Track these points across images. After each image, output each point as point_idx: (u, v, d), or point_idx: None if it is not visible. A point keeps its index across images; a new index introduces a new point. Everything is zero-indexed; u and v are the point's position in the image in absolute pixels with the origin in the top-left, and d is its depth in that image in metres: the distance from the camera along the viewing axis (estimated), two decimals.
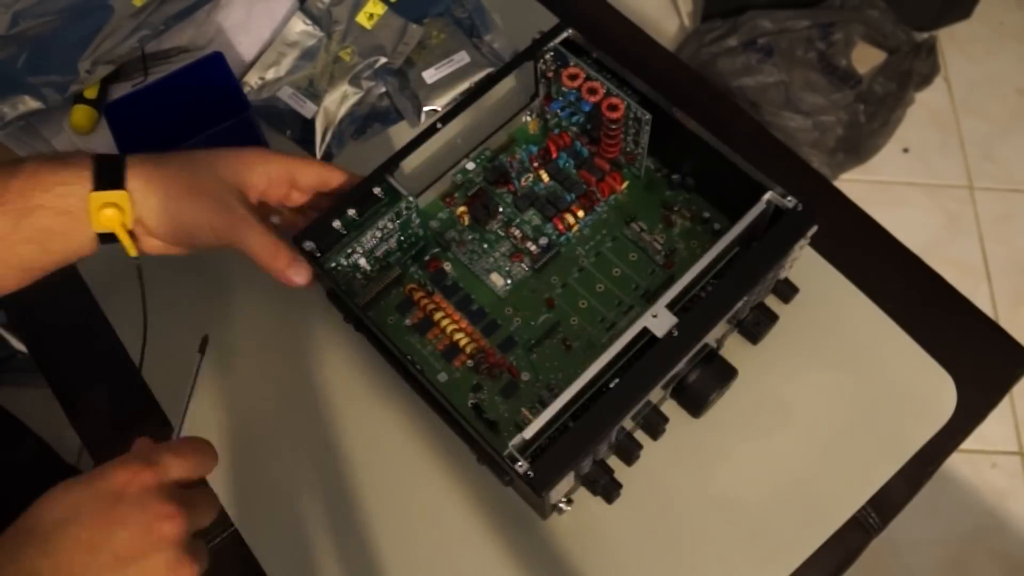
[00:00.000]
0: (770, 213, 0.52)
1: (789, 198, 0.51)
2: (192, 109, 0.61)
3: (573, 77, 0.56)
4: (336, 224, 0.53)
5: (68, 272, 0.63)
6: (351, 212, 0.53)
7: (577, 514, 0.52)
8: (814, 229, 0.50)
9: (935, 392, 0.55)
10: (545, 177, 0.60)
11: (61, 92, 0.60)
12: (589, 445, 0.45)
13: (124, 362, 0.60)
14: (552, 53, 0.57)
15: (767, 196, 0.51)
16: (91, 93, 0.63)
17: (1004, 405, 1.18)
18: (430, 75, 0.67)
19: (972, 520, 1.14)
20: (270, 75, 0.68)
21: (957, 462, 1.17)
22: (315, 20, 0.70)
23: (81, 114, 0.63)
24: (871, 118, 1.32)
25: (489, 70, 0.67)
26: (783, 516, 0.52)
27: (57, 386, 0.60)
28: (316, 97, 0.67)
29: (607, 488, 0.49)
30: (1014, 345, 0.58)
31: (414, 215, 0.56)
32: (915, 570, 1.12)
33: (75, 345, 0.61)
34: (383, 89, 0.68)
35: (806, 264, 0.58)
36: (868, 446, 0.54)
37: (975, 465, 1.17)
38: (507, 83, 0.66)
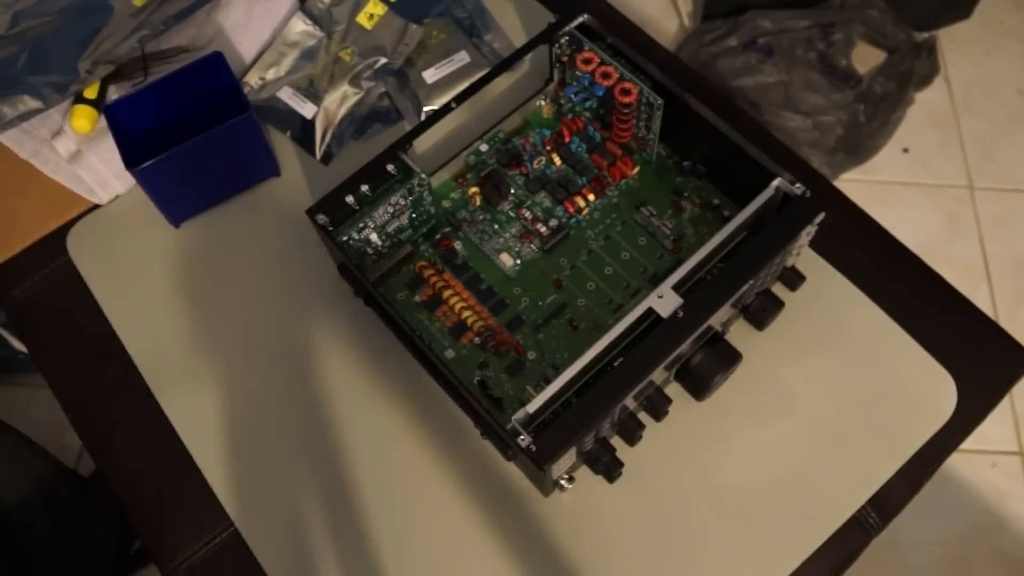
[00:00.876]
0: (779, 200, 0.52)
1: (797, 185, 0.51)
2: (192, 109, 0.61)
3: (587, 61, 0.57)
4: (349, 199, 0.54)
5: (71, 273, 0.63)
6: (364, 188, 0.54)
7: (578, 493, 0.53)
8: (821, 216, 0.51)
9: (936, 391, 0.55)
10: (557, 161, 0.60)
11: (61, 92, 0.60)
12: (591, 421, 0.46)
13: (125, 362, 0.60)
14: (567, 37, 0.58)
15: (776, 183, 0.52)
16: (91, 93, 0.63)
17: (1004, 405, 1.18)
18: (430, 75, 0.67)
19: (972, 520, 1.14)
20: (270, 75, 0.68)
21: (957, 462, 1.17)
22: (315, 20, 0.70)
23: (81, 114, 0.63)
24: (871, 118, 1.32)
25: (488, 69, 0.67)
26: (783, 514, 0.52)
27: (57, 387, 0.60)
28: (316, 97, 0.67)
29: (608, 466, 0.50)
30: (1014, 345, 0.58)
31: (426, 193, 0.56)
32: (915, 569, 1.12)
33: (75, 346, 0.61)
34: (383, 89, 0.68)
35: (807, 265, 0.58)
36: (868, 444, 0.54)
37: (975, 465, 1.17)
38: (522, 67, 0.66)
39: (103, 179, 0.65)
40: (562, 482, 0.51)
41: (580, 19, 0.58)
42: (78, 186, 0.65)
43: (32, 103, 0.60)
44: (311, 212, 0.53)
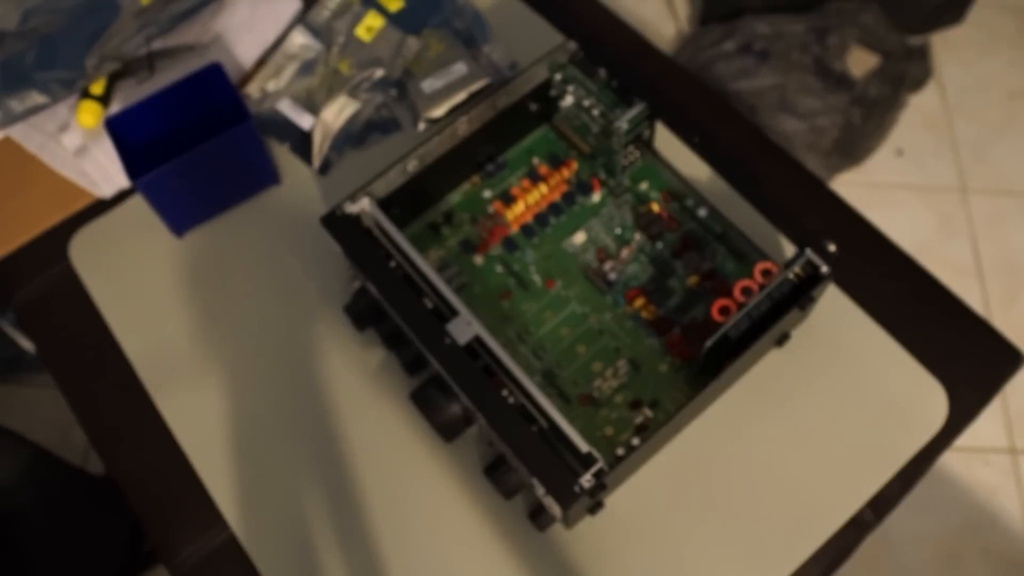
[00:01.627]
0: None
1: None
2: (193, 120, 0.62)
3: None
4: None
5: (75, 277, 0.64)
6: None
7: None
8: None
9: (926, 403, 0.56)
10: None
11: (68, 88, 0.61)
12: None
13: (127, 367, 0.60)
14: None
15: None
16: (97, 89, 0.64)
17: (996, 404, 1.20)
18: (428, 85, 0.68)
19: (964, 516, 1.15)
20: (271, 87, 0.69)
21: (950, 459, 1.18)
22: (315, 33, 0.70)
23: (87, 110, 0.63)
24: (865, 121, 1.33)
25: (486, 80, 0.67)
26: (772, 526, 0.53)
27: (64, 385, 0.61)
28: (314, 109, 0.67)
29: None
30: (1005, 345, 0.59)
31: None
32: (908, 565, 1.13)
33: (81, 347, 0.62)
34: (381, 100, 0.68)
35: None
36: (859, 453, 0.54)
37: (967, 462, 1.18)
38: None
39: (107, 174, 0.65)
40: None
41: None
42: (83, 180, 0.65)
43: (39, 98, 0.60)
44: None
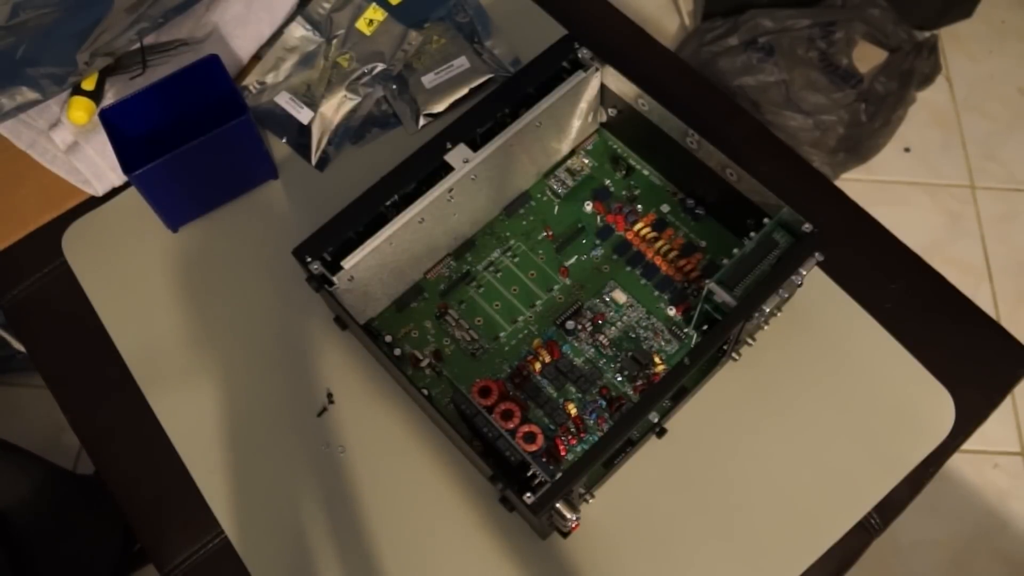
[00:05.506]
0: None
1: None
2: (189, 112, 0.61)
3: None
4: None
5: (68, 274, 0.63)
6: None
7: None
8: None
9: (932, 408, 0.55)
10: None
11: (59, 83, 0.60)
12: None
13: (120, 365, 0.59)
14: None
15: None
16: (89, 85, 0.63)
17: (1006, 405, 1.18)
18: (429, 80, 0.67)
19: (974, 520, 1.14)
20: (269, 80, 0.68)
21: (959, 462, 1.17)
22: (315, 26, 0.69)
23: (79, 106, 0.62)
24: (872, 117, 1.31)
25: (488, 75, 0.66)
26: (776, 531, 0.52)
27: (55, 387, 0.60)
28: (313, 103, 0.66)
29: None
30: (1015, 345, 0.57)
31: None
32: (916, 570, 1.12)
33: (72, 347, 0.61)
34: (381, 95, 0.67)
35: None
36: (865, 459, 0.53)
37: (977, 465, 1.17)
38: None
39: (99, 171, 0.64)
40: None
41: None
42: (75, 178, 0.64)
43: (30, 94, 0.60)
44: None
